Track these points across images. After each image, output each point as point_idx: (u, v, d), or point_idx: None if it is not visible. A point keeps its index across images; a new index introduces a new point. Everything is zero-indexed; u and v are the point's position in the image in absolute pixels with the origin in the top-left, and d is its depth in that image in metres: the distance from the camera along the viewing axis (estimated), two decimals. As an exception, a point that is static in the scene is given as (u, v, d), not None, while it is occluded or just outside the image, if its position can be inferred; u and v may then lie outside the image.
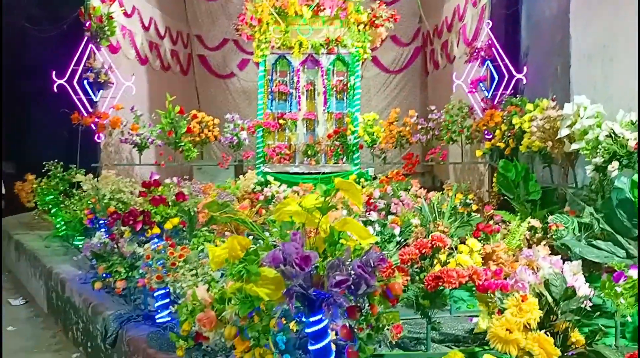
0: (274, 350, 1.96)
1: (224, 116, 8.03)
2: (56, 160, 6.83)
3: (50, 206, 6.52)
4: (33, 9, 10.61)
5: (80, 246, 5.74)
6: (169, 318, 3.31)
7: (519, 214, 5.06)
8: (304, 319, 1.94)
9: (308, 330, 1.91)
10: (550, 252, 3.88)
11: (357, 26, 8.00)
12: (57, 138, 10.38)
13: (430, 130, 7.59)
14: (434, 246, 2.89)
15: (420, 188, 6.71)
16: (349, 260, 1.72)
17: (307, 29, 7.94)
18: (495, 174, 5.74)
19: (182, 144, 7.48)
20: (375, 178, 7.69)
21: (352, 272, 1.67)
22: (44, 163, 6.76)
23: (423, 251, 2.90)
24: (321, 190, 1.96)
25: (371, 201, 5.79)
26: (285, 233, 1.95)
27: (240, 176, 7.45)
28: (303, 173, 7.82)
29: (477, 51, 6.98)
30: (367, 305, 1.85)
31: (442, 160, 7.64)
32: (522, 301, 2.11)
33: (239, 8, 8.50)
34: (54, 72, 6.83)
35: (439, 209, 4.95)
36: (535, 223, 4.45)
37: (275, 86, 8.08)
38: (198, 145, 7.88)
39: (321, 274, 1.79)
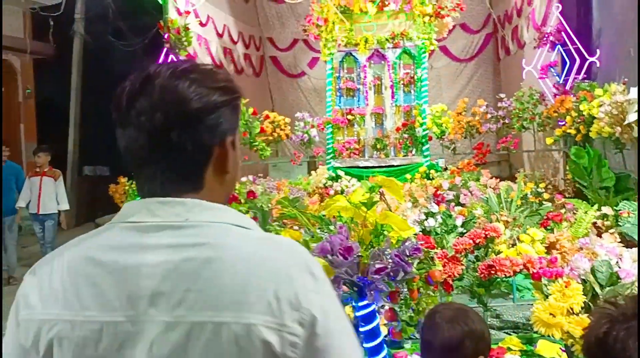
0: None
1: (295, 114, 8.34)
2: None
3: (140, 206, 7.14)
4: (117, 23, 11.53)
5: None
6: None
7: (592, 202, 4.96)
8: (353, 303, 2.16)
9: (358, 314, 2.12)
10: (619, 240, 3.83)
11: (423, 18, 8.00)
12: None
13: (501, 118, 7.50)
14: (488, 236, 2.98)
15: (493, 177, 6.68)
16: (389, 249, 1.90)
17: (372, 25, 8.07)
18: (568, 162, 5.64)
19: (257, 143, 7.88)
20: (445, 169, 7.70)
21: (390, 260, 1.85)
22: (133, 167, 7.38)
23: (477, 241, 3.00)
24: (366, 187, 2.14)
25: (438, 193, 5.87)
26: (349, 226, 2.17)
27: (313, 172, 7.75)
28: (373, 167, 7.97)
29: (546, 35, 6.80)
30: (406, 290, 2.02)
31: (513, 149, 7.51)
32: (566, 287, 2.19)
33: (307, 8, 8.76)
34: (138, 83, 7.42)
35: (507, 199, 4.96)
36: (607, 210, 4.36)
37: (343, 82, 8.27)
38: (272, 144, 8.25)
39: (366, 262, 1.99)
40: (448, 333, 1.48)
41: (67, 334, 0.85)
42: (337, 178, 7.42)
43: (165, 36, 7.44)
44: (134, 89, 0.91)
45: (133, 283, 0.84)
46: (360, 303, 2.08)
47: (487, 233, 2.97)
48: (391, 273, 1.83)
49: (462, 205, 5.39)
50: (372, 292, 1.86)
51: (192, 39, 7.64)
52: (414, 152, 8.06)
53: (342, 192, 6.75)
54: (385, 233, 2.05)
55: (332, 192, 6.82)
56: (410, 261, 1.85)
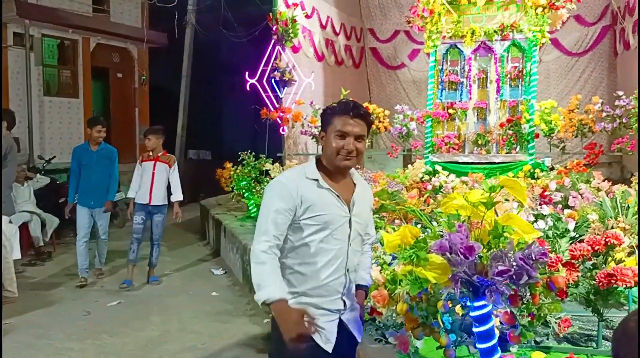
0: (441, 328, 2.19)
1: (394, 106, 8.29)
2: (249, 151, 7.75)
3: (244, 191, 7.47)
4: (226, 15, 12.06)
5: (268, 226, 6.50)
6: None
7: None
8: (468, 303, 2.15)
9: (472, 314, 2.11)
10: None
11: (535, 10, 7.63)
12: (247, 130, 11.72)
13: (617, 117, 7.02)
14: (608, 243, 2.83)
15: (604, 180, 6.27)
16: (512, 251, 1.87)
17: (481, 16, 7.82)
18: (694, 167, 5.17)
19: (355, 135, 7.92)
20: (552, 169, 7.35)
21: (514, 263, 1.82)
22: (239, 153, 7.72)
23: (596, 248, 2.86)
24: (486, 186, 2.12)
25: (546, 193, 5.62)
26: (452, 224, 2.17)
27: (409, 165, 7.68)
28: (472, 163, 7.77)
29: (676, 29, 6.24)
30: (528, 294, 1.98)
31: (630, 150, 7.00)
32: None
33: (410, 0, 8.65)
34: (247, 73, 7.75)
35: (623, 204, 4.66)
36: None
37: (446, 75, 8.11)
38: (369, 135, 8.26)
39: (485, 263, 1.97)
40: None
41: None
42: (434, 173, 7.31)
43: (274, 28, 7.67)
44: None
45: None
46: (476, 304, 2.07)
47: (607, 240, 2.82)
48: (514, 276, 1.81)
49: (571, 208, 5.13)
50: (492, 294, 1.85)
51: (298, 30, 7.83)
52: (517, 149, 7.75)
53: (440, 187, 6.65)
54: (506, 234, 2.02)
55: (429, 187, 6.73)
56: (535, 265, 1.82)
